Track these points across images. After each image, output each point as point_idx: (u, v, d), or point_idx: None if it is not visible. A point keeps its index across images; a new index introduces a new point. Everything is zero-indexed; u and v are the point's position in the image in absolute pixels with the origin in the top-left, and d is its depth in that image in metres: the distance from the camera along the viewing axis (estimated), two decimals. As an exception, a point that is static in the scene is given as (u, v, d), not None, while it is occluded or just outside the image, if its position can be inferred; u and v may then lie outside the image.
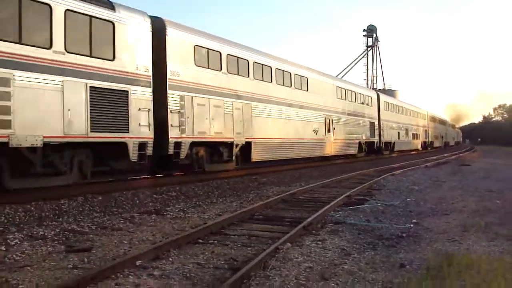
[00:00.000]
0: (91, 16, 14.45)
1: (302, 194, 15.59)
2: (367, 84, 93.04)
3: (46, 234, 9.25)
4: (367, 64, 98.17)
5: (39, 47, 12.95)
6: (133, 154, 15.48)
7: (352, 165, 30.92)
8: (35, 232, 9.36)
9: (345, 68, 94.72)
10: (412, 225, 10.65)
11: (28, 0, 12.71)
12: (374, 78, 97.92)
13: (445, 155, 50.33)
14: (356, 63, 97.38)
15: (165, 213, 11.98)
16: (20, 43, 12.48)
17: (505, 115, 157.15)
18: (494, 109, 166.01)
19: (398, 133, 51.55)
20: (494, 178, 22.31)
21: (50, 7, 13.22)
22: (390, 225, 10.74)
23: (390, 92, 69.83)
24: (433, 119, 77.80)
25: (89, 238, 9.04)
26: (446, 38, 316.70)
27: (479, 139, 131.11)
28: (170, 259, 7.44)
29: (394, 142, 49.55)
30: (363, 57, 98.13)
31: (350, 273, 6.93)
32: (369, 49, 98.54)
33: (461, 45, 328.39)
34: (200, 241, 8.72)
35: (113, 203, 13.34)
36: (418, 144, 62.82)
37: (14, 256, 7.54)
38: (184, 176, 19.55)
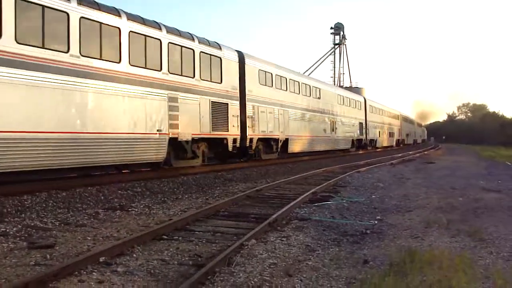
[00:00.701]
0: (214, 56, 21.80)
1: (268, 190, 15.64)
2: (334, 81, 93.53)
3: (7, 230, 9.11)
4: (334, 61, 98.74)
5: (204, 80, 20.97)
6: (230, 146, 22.95)
7: (318, 162, 31.11)
8: (-4, 229, 9.23)
9: (312, 65, 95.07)
10: (376, 222, 10.80)
11: (186, 49, 19.88)
12: (341, 75, 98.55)
13: (410, 152, 51.14)
14: (324, 60, 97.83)
15: (130, 209, 11.90)
16: (192, 77, 20.10)
17: (469, 114, 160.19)
18: (458, 108, 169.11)
19: (379, 131, 60.18)
20: (457, 175, 22.66)
21: (193, 51, 20.16)
22: (355, 221, 10.87)
23: (356, 90, 71.66)
24: (405, 119, 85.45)
25: (52, 235, 8.92)
26: (414, 35, 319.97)
27: (444, 137, 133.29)
28: (134, 255, 7.41)
29: (376, 139, 58.22)
30: (330, 54, 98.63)
31: (314, 269, 7.00)
32: (336, 46, 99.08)
33: (430, 43, 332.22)
34: (165, 237, 8.68)
35: (78, 199, 13.17)
36: (393, 141, 71.07)
37: (-26, 252, 7.43)
38: (149, 172, 19.49)
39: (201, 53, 20.55)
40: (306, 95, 34.22)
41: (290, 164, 28.51)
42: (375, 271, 6.79)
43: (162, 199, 13.85)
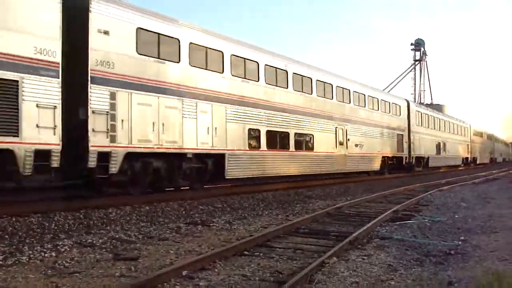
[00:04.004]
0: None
1: (348, 208, 15.46)
2: (414, 98, 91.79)
3: (94, 242, 9.42)
4: (415, 78, 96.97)
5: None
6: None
7: (399, 180, 30.56)
8: (83, 240, 9.55)
9: (392, 82, 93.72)
10: (460, 242, 10.41)
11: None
12: (422, 92, 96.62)
13: (493, 171, 49.16)
14: (404, 77, 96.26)
15: (211, 224, 12.03)
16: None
17: None
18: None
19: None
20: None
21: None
22: (438, 241, 10.52)
23: (437, 107, 67.72)
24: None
25: (136, 247, 9.14)
26: (499, 51, 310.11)
27: None
28: (216, 270, 7.45)
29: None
30: (410, 71, 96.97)
31: (397, 289, 6.83)
32: (416, 63, 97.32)
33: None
34: (246, 253, 8.70)
35: (160, 213, 13.49)
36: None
37: (64, 262, 7.70)
38: (229, 188, 19.73)
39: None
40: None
41: (369, 182, 28.13)
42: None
43: (243, 215, 13.94)
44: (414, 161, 40.99)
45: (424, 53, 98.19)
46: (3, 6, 12.17)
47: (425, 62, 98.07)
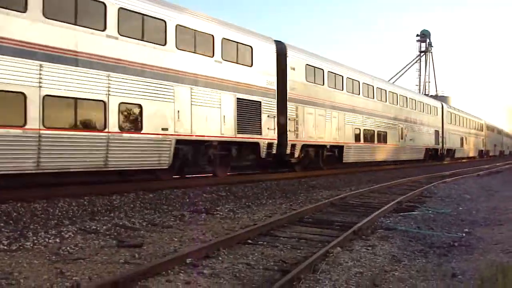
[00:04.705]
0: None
1: (352, 198, 15.45)
2: (419, 90, 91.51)
3: (98, 228, 9.44)
4: (420, 69, 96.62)
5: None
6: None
7: (403, 171, 30.57)
8: (87, 226, 9.58)
9: (397, 73, 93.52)
10: (464, 234, 10.40)
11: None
12: (427, 84, 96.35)
13: (497, 164, 49.11)
14: (409, 68, 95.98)
15: (215, 213, 12.04)
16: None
17: None
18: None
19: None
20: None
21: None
22: (442, 233, 10.52)
23: (442, 99, 68.49)
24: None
25: (140, 234, 9.16)
26: (504, 41, 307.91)
27: None
28: (220, 258, 7.45)
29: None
30: (415, 62, 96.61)
31: (400, 280, 6.82)
32: (422, 54, 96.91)
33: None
34: (250, 241, 8.71)
35: (164, 200, 13.50)
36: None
37: (68, 248, 7.71)
38: (233, 176, 19.78)
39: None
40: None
41: (373, 172, 28.12)
42: (464, 286, 6.55)
43: (247, 203, 13.94)
44: (445, 152, 50.06)
45: (430, 44, 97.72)
46: (255, 57, 20.83)
47: (430, 53, 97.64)
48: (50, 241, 8.25)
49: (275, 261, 7.48)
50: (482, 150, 70.17)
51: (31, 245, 7.91)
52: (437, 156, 47.40)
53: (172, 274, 6.42)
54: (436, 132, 46.62)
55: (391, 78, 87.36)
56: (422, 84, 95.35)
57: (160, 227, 9.99)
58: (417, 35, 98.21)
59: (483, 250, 8.93)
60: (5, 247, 7.67)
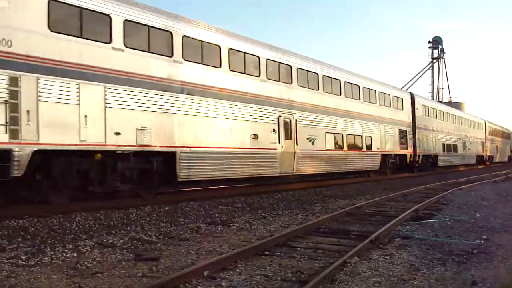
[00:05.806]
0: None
1: (368, 207, 15.38)
2: (432, 96, 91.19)
3: (115, 242, 9.45)
4: (432, 76, 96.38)
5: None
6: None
7: (418, 179, 30.38)
8: (104, 240, 9.59)
9: (410, 80, 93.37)
10: (482, 241, 10.29)
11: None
12: (440, 90, 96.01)
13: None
14: (422, 75, 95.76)
15: (231, 224, 12.02)
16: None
17: None
18: None
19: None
20: None
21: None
22: (460, 240, 10.41)
23: (456, 105, 67.29)
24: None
25: (157, 247, 9.15)
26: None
27: None
28: (238, 270, 7.42)
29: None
30: (428, 69, 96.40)
31: (420, 289, 6.77)
32: (434, 61, 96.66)
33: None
34: (267, 253, 8.67)
35: (180, 213, 13.51)
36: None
37: (86, 263, 7.72)
38: (248, 187, 19.78)
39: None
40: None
41: (388, 181, 28.00)
42: (486, 294, 6.48)
43: (262, 214, 13.91)
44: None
45: (442, 51, 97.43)
46: (404, 104, 36.15)
47: (443, 60, 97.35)
48: (67, 255, 8.27)
49: (292, 272, 7.44)
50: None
51: (49, 260, 7.93)
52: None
53: (190, 287, 6.40)
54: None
55: (404, 85, 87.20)
56: (435, 91, 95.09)
57: (176, 239, 9.98)
58: (429, 42, 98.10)
59: (503, 257, 8.83)
60: (24, 262, 7.70)
